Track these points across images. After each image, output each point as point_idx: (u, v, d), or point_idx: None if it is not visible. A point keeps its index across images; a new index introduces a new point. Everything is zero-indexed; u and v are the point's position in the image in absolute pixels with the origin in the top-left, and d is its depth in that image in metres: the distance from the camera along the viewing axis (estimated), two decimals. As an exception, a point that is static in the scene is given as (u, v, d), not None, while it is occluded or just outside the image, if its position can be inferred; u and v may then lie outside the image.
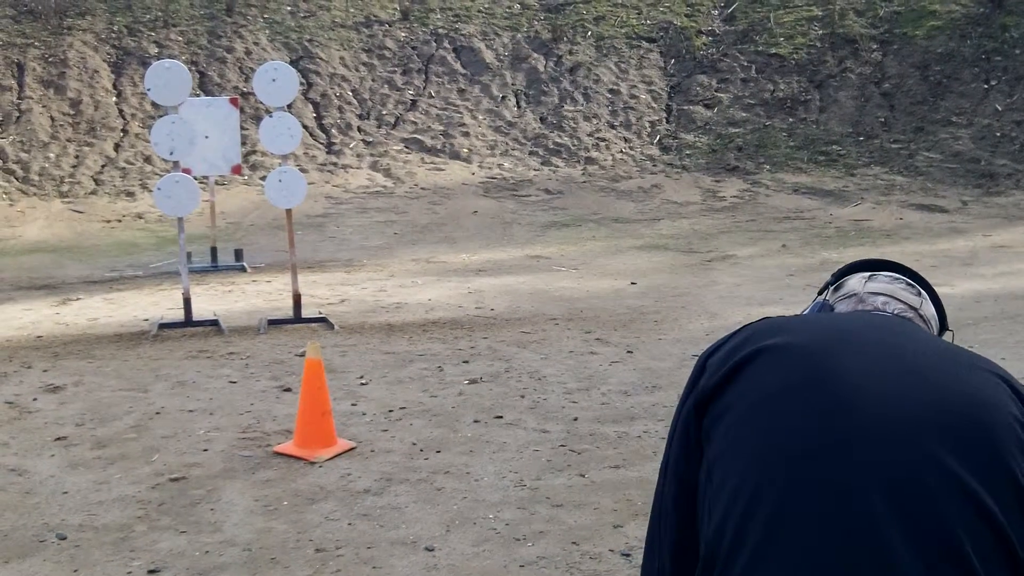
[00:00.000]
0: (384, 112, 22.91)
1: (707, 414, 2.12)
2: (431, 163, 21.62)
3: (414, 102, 23.26)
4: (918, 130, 22.32)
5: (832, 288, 2.51)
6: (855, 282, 2.45)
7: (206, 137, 13.26)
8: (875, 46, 24.31)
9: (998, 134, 21.81)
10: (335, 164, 21.29)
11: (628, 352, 9.92)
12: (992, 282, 13.23)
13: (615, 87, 24.02)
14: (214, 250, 15.41)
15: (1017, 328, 10.56)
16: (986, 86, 22.95)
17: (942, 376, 2.02)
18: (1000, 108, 22.36)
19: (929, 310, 2.41)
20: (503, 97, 23.64)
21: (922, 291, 2.43)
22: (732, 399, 2.08)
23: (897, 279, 2.43)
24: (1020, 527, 1.89)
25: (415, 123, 22.71)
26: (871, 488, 1.89)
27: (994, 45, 23.62)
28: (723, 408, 2.09)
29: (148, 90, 10.89)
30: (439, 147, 22.16)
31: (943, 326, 2.45)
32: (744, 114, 23.22)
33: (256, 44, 23.50)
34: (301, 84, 21.56)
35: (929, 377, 2.02)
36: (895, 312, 2.34)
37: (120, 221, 18.49)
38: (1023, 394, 2.06)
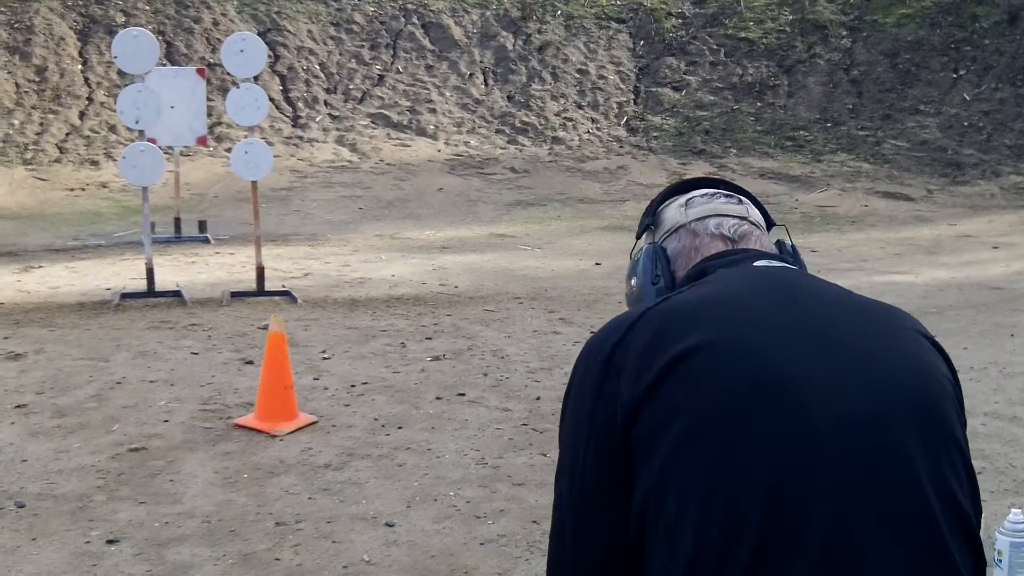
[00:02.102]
0: (351, 87, 22.83)
1: (635, 428, 1.82)
2: (397, 139, 21.56)
3: (381, 77, 23.18)
4: (886, 118, 22.40)
5: (652, 228, 2.32)
6: (674, 213, 2.28)
7: (172, 107, 13.18)
8: (845, 32, 24.37)
9: (965, 124, 21.91)
10: (301, 138, 21.20)
11: (591, 332, 9.91)
12: (956, 271, 13.29)
13: (583, 67, 24.00)
14: (178, 221, 15.34)
15: (980, 318, 10.61)
16: (955, 75, 23.05)
17: (880, 351, 1.88)
18: (968, 98, 22.45)
19: (755, 214, 2.29)
20: (471, 74, 23.58)
21: (741, 197, 2.32)
22: (665, 413, 1.79)
23: (714, 195, 2.28)
24: (970, 503, 1.84)
25: (382, 98, 22.63)
26: (863, 514, 1.71)
27: (963, 35, 23.71)
28: (655, 424, 1.79)
29: (115, 58, 10.82)
30: (406, 123, 22.09)
31: (769, 223, 2.33)
32: (712, 97, 23.25)
33: (224, 15, 23.35)
34: (268, 57, 21.44)
35: (870, 356, 1.86)
36: (733, 232, 2.19)
37: (84, 190, 18.37)
38: (940, 346, 2.01)
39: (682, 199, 2.29)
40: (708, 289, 2.00)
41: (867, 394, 1.80)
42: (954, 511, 1.78)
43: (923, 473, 1.76)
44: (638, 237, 2.38)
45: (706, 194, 2.28)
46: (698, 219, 2.22)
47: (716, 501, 1.72)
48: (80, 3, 22.86)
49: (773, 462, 1.73)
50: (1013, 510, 3.41)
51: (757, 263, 2.09)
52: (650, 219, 2.33)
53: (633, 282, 2.29)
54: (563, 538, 1.99)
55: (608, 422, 1.86)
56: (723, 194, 2.29)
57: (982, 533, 3.26)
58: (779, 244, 2.32)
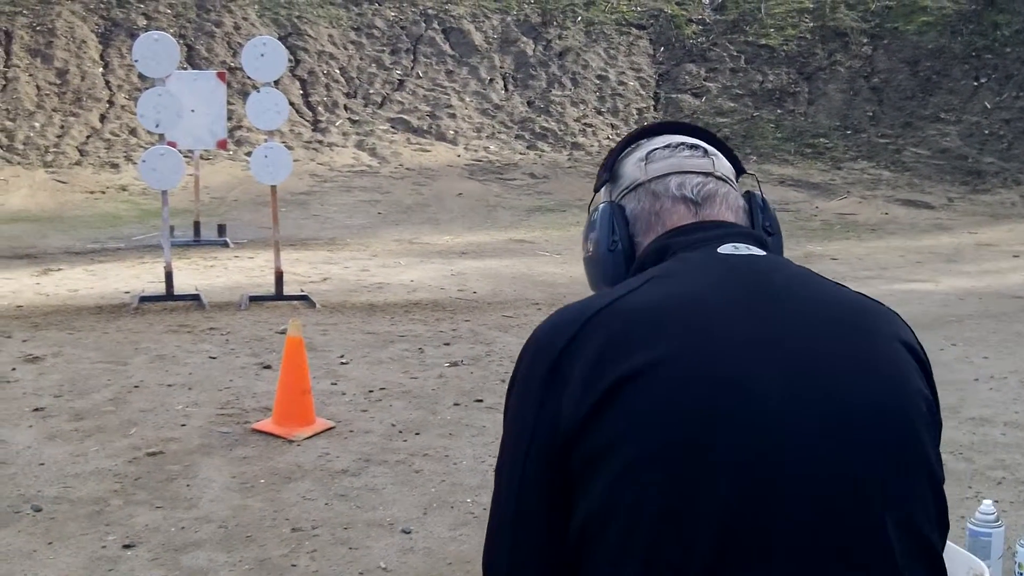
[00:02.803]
0: (371, 91, 22.85)
1: (576, 449, 1.69)
2: (417, 144, 21.57)
3: (401, 82, 23.19)
4: (906, 125, 22.33)
5: (610, 183, 2.14)
6: (632, 168, 2.08)
7: (192, 111, 13.18)
8: (865, 40, 24.31)
9: (986, 132, 21.83)
10: (320, 142, 21.22)
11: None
12: (976, 280, 13.23)
13: (603, 73, 23.98)
14: (197, 225, 15.34)
15: (1000, 327, 10.56)
16: (976, 83, 22.97)
17: (851, 367, 1.72)
18: (989, 106, 22.38)
19: (724, 165, 2.09)
20: (491, 80, 23.58)
21: (707, 147, 2.10)
22: (609, 439, 1.66)
23: (676, 147, 2.06)
24: (936, 527, 1.76)
25: (402, 103, 22.64)
26: (818, 548, 1.62)
27: (985, 43, 23.64)
28: (599, 448, 1.67)
29: (136, 61, 10.84)
30: (425, 128, 22.10)
31: (739, 171, 2.15)
32: (732, 104, 23.21)
33: (245, 19, 23.40)
34: (289, 61, 21.45)
35: (838, 374, 1.71)
36: (696, 193, 1.99)
37: (104, 193, 18.41)
38: (919, 353, 1.85)
39: (642, 152, 2.09)
40: (666, 289, 1.80)
41: (832, 419, 1.67)
42: (914, 540, 1.69)
43: (884, 503, 1.65)
44: (596, 191, 2.21)
45: (668, 145, 2.08)
46: (658, 177, 2.03)
47: (667, 531, 1.61)
48: (102, 6, 22.92)
49: (728, 494, 1.61)
50: (1034, 523, 3.38)
51: (722, 249, 1.89)
52: (607, 173, 2.15)
53: (590, 244, 2.11)
54: (499, 549, 1.83)
55: (548, 438, 1.73)
56: (687, 145, 2.08)
57: (1004, 545, 3.23)
58: (748, 197, 2.12)
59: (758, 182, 2.28)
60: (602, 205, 2.11)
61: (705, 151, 2.07)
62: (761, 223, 2.10)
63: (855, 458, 1.66)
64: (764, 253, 1.91)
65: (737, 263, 1.86)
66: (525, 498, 1.78)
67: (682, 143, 2.08)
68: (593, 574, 1.69)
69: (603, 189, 2.17)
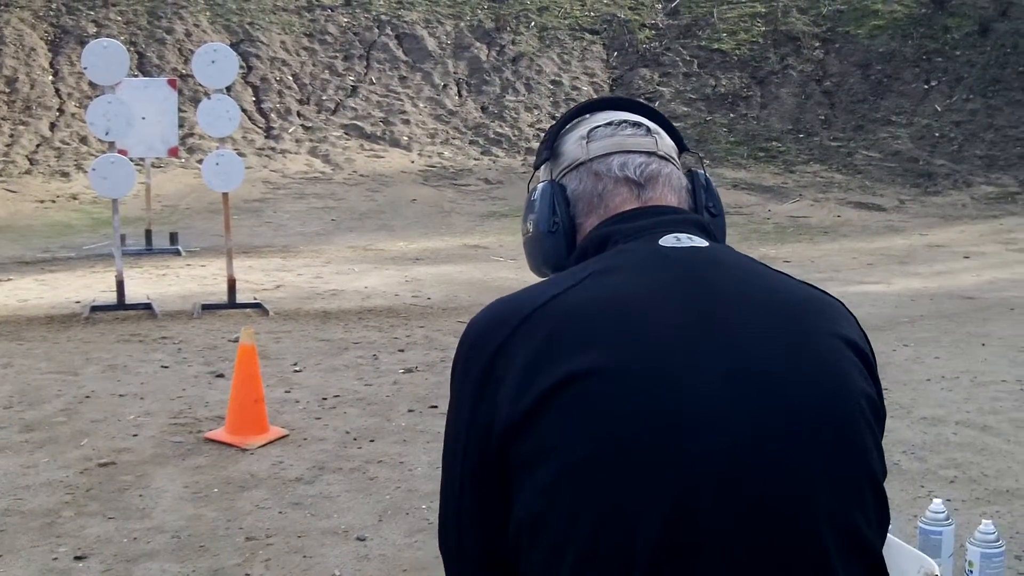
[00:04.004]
0: (324, 97, 22.80)
1: (511, 449, 1.68)
2: (370, 150, 21.54)
3: (355, 88, 23.15)
4: (858, 128, 22.47)
5: (550, 161, 2.08)
6: (573, 147, 2.02)
7: (143, 118, 13.12)
8: (817, 44, 24.45)
9: (937, 134, 21.99)
10: (273, 149, 21.16)
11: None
12: (928, 281, 13.31)
13: (557, 78, 24.01)
14: (149, 233, 15.26)
15: (952, 327, 10.62)
16: (926, 86, 23.14)
17: (792, 367, 1.70)
18: (939, 109, 22.54)
19: (666, 144, 2.04)
20: (444, 85, 23.58)
21: (649, 124, 2.04)
22: (543, 445, 1.65)
23: (618, 125, 2.01)
24: (876, 529, 1.74)
25: (355, 109, 22.60)
26: (756, 556, 1.61)
27: (935, 46, 23.82)
28: (532, 453, 1.66)
29: (85, 69, 10.79)
30: (379, 134, 22.07)
31: (681, 148, 2.09)
32: (685, 108, 23.28)
33: (196, 26, 23.30)
34: (241, 67, 21.38)
35: (778, 375, 1.68)
36: (639, 174, 1.94)
37: (54, 202, 18.29)
38: (864, 349, 1.82)
39: (583, 129, 2.03)
40: (603, 288, 1.76)
41: (769, 422, 1.64)
42: (853, 544, 1.67)
43: (822, 507, 1.64)
44: (535, 168, 2.15)
45: (610, 123, 2.02)
46: (600, 156, 1.98)
47: (603, 537, 1.60)
48: (51, 13, 22.78)
49: (663, 501, 1.59)
50: (984, 520, 3.40)
51: (663, 240, 1.84)
52: (547, 151, 2.08)
53: (530, 225, 2.06)
54: (448, 537, 1.85)
55: (483, 437, 1.72)
56: (629, 123, 2.02)
57: (955, 543, 3.24)
58: (691, 176, 2.08)
59: (700, 160, 2.24)
60: (542, 184, 2.06)
61: (648, 129, 2.03)
62: (704, 203, 2.07)
63: (793, 460, 1.64)
64: (706, 244, 1.87)
65: (678, 258, 1.82)
66: (465, 497, 1.78)
67: (624, 121, 2.03)
68: (529, 572, 1.69)
69: (543, 167, 2.11)
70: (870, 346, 1.87)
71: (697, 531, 1.59)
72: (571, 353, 1.67)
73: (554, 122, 2.14)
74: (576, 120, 2.09)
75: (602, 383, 1.64)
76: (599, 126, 2.02)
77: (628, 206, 1.95)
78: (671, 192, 1.98)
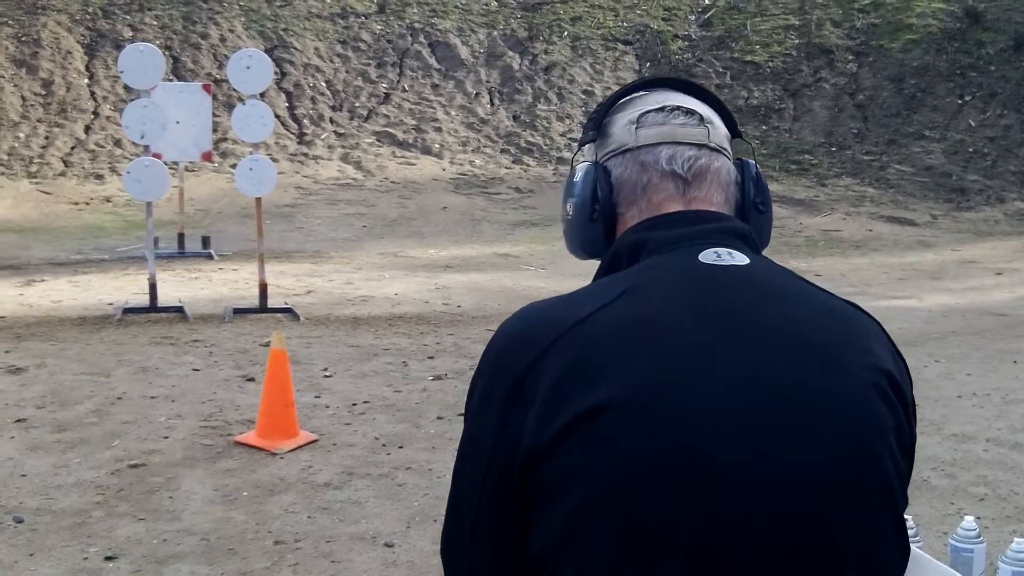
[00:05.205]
0: (357, 104, 22.84)
1: (534, 475, 1.65)
2: (402, 157, 21.57)
3: (387, 95, 23.20)
4: (890, 143, 22.40)
5: (596, 141, 1.98)
6: (622, 131, 1.92)
7: (177, 123, 13.16)
8: (851, 57, 24.38)
9: (970, 149, 21.90)
10: (306, 155, 21.21)
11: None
12: (960, 297, 13.27)
13: (589, 88, 24.00)
14: (181, 236, 15.32)
15: (984, 343, 10.58)
16: (960, 101, 23.04)
17: (820, 402, 1.65)
18: (973, 124, 22.45)
19: (719, 133, 1.94)
20: (477, 94, 23.60)
21: (702, 112, 1.93)
22: (565, 474, 1.62)
23: (671, 112, 1.90)
24: (899, 561, 1.72)
25: (387, 116, 22.64)
26: None
27: (969, 60, 23.72)
28: (555, 482, 1.62)
29: (121, 73, 10.84)
30: (411, 141, 22.10)
31: (734, 133, 2.00)
32: (717, 120, 23.21)
33: (231, 31, 23.39)
34: (275, 73, 21.44)
35: (807, 412, 1.64)
36: (686, 169, 1.87)
37: (88, 204, 18.37)
38: (895, 378, 1.74)
39: (633, 113, 1.93)
40: (637, 310, 1.71)
41: (796, 461, 1.61)
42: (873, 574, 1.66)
43: (846, 550, 1.62)
44: (580, 146, 2.05)
45: (663, 108, 1.91)
46: (649, 145, 1.89)
47: (624, 566, 1.57)
48: (88, 17, 22.90)
49: (685, 538, 1.56)
50: (1016, 539, 3.37)
51: (703, 256, 1.78)
52: (595, 131, 1.98)
53: (569, 207, 1.97)
54: (458, 561, 1.82)
55: (507, 461, 1.67)
56: (682, 111, 1.91)
57: (985, 561, 3.23)
58: (741, 167, 2.00)
59: (753, 150, 2.13)
60: (586, 165, 1.97)
61: (701, 118, 1.92)
62: (752, 198, 2.00)
63: (815, 504, 1.61)
64: (746, 261, 1.79)
65: (715, 280, 1.76)
66: (481, 520, 1.74)
67: (678, 108, 1.92)
68: None
69: (588, 146, 2.02)
70: (906, 369, 1.82)
71: (719, 567, 1.58)
72: (597, 381, 1.63)
73: (603, 102, 2.02)
74: (628, 98, 1.99)
75: (620, 418, 1.60)
76: (651, 111, 1.92)
77: (671, 206, 1.88)
78: (718, 189, 1.91)
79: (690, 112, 1.91)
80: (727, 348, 1.67)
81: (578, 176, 1.96)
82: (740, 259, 1.79)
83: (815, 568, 1.61)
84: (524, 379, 1.67)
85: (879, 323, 1.84)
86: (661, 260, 1.80)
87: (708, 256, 1.78)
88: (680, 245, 1.81)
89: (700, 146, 1.89)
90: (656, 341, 1.67)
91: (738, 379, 1.64)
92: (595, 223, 1.92)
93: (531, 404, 1.65)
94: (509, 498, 1.68)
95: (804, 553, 1.60)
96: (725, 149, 1.95)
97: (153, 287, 11.03)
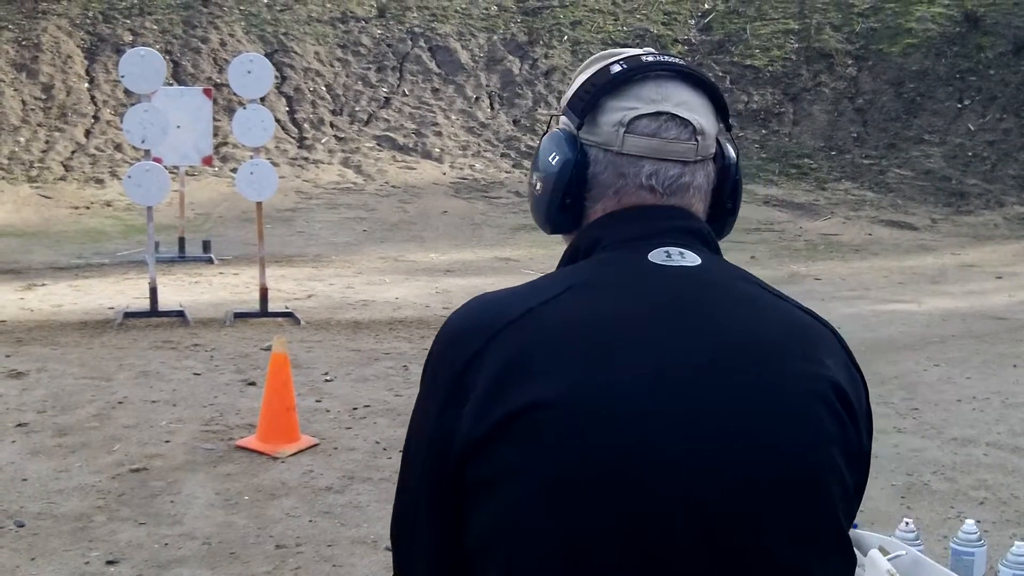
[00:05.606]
0: (357, 109, 22.86)
1: (469, 468, 1.64)
2: (402, 161, 21.58)
3: (387, 100, 23.21)
4: (890, 146, 22.41)
5: (586, 118, 1.86)
6: (609, 130, 1.83)
7: (178, 127, 13.17)
8: (850, 61, 24.39)
9: (970, 153, 21.92)
10: (306, 159, 21.22)
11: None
12: (960, 300, 13.27)
13: (590, 92, 23.99)
14: (182, 240, 15.32)
15: (983, 347, 10.59)
16: (959, 105, 23.06)
17: (757, 415, 1.62)
18: (973, 128, 22.46)
19: (708, 141, 1.85)
20: (477, 98, 23.61)
21: (696, 122, 1.83)
22: (501, 466, 1.61)
23: (664, 123, 1.81)
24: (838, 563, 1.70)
25: (388, 121, 22.66)
26: None
27: (969, 65, 23.73)
28: (492, 474, 1.63)
29: (122, 77, 10.84)
30: (411, 146, 22.11)
31: (727, 126, 1.91)
32: (717, 124, 23.22)
33: (231, 36, 23.40)
34: (275, 78, 21.46)
35: (746, 423, 1.62)
36: (665, 187, 1.81)
37: (88, 208, 18.38)
38: (845, 392, 1.70)
39: (625, 111, 1.83)
40: (581, 307, 1.70)
41: (729, 471, 1.59)
42: None
43: (783, 559, 1.61)
44: (560, 114, 1.96)
45: (658, 114, 1.81)
46: (632, 156, 1.82)
47: (553, 566, 1.58)
48: (88, 21, 22.92)
49: (613, 538, 1.56)
50: (1016, 542, 3.39)
51: (653, 255, 1.75)
52: (581, 118, 1.87)
53: (539, 185, 1.94)
54: (399, 541, 1.83)
55: (443, 452, 1.67)
56: (676, 121, 1.82)
57: (986, 564, 3.24)
58: (722, 170, 1.91)
59: (733, 141, 1.99)
60: (565, 157, 1.88)
61: (694, 130, 1.83)
62: (725, 199, 1.94)
63: (749, 508, 1.60)
64: (698, 262, 1.77)
65: (663, 280, 1.74)
66: (423, 502, 1.75)
67: (673, 118, 1.82)
68: None
69: (567, 118, 1.93)
70: (862, 381, 1.79)
71: (646, 572, 1.57)
72: (535, 378, 1.62)
73: (598, 69, 1.91)
74: (625, 81, 1.86)
75: (558, 415, 1.59)
76: (644, 116, 1.82)
77: (641, 204, 1.84)
78: (695, 196, 1.87)
79: (684, 124, 1.83)
80: (668, 348, 1.66)
81: (556, 162, 1.90)
82: (691, 259, 1.77)
83: (741, 569, 1.59)
84: (465, 371, 1.67)
85: (836, 333, 1.81)
86: (612, 256, 1.79)
87: (658, 256, 1.76)
88: (633, 243, 1.79)
89: (685, 163, 1.84)
90: (595, 339, 1.66)
91: (675, 380, 1.63)
92: (563, 211, 1.91)
93: (468, 394, 1.65)
94: (446, 489, 1.68)
95: (730, 553, 1.59)
96: (711, 153, 1.89)
97: (154, 291, 11.04)
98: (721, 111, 1.91)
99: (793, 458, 1.62)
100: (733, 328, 1.70)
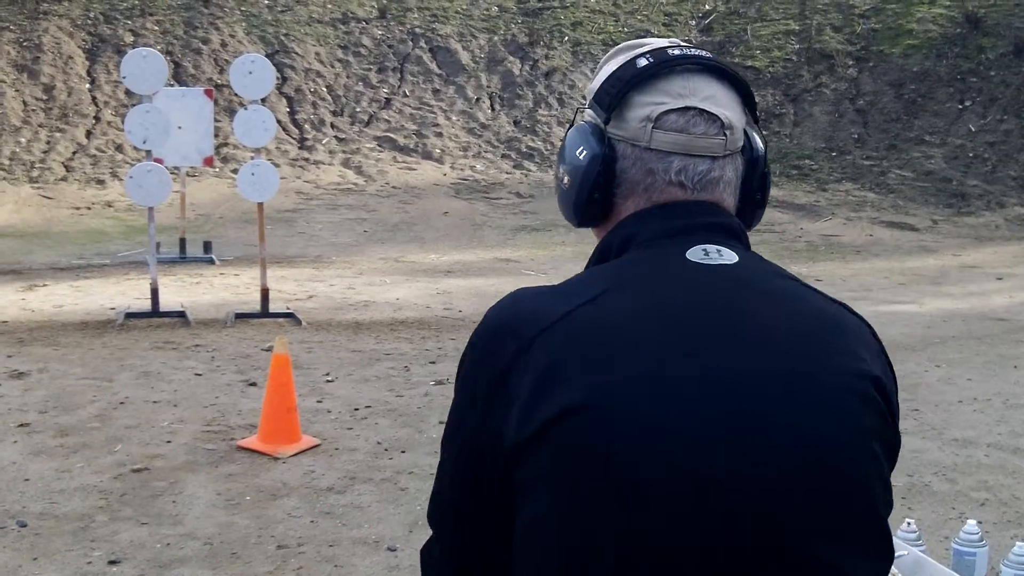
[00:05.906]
0: (358, 109, 22.86)
1: (517, 470, 1.64)
2: (403, 162, 21.58)
3: (388, 100, 23.21)
4: (891, 147, 22.41)
5: (613, 112, 1.84)
6: (637, 125, 1.81)
7: (179, 128, 13.18)
8: (851, 62, 24.40)
9: (970, 154, 21.92)
10: (307, 160, 21.23)
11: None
12: (960, 301, 13.28)
13: (590, 93, 23.99)
14: (183, 241, 15.33)
15: (984, 348, 10.60)
16: (960, 106, 23.06)
17: (790, 413, 1.61)
18: (973, 129, 22.47)
19: (736, 134, 1.85)
20: (477, 99, 23.62)
21: (724, 118, 1.82)
22: (542, 468, 1.61)
23: (692, 118, 1.79)
24: (883, 567, 1.69)
25: (388, 121, 22.66)
26: None
27: (969, 66, 23.74)
28: (532, 477, 1.62)
29: (123, 78, 10.85)
30: (412, 146, 22.12)
31: (755, 119, 1.91)
32: (718, 125, 23.23)
33: (232, 36, 23.41)
34: (276, 78, 21.45)
35: (782, 423, 1.60)
36: (694, 182, 1.80)
37: (90, 208, 18.39)
38: (884, 385, 1.70)
39: (653, 106, 1.81)
40: (618, 309, 1.68)
41: (769, 476, 1.58)
42: None
43: (823, 558, 1.60)
44: (587, 108, 1.92)
45: (686, 109, 1.79)
46: (661, 152, 1.80)
47: (572, 568, 1.58)
48: (89, 22, 22.93)
49: (654, 549, 1.55)
50: (1018, 543, 3.39)
51: (691, 253, 1.74)
52: (606, 112, 1.85)
53: (566, 179, 1.91)
54: (443, 535, 1.84)
55: (489, 452, 1.68)
56: (705, 116, 1.80)
57: (987, 565, 3.24)
58: (751, 162, 1.91)
59: (759, 133, 1.98)
60: (593, 152, 1.86)
61: (722, 124, 1.81)
62: (754, 191, 1.93)
63: (794, 516, 1.58)
64: (735, 259, 1.76)
65: (701, 280, 1.73)
66: (466, 497, 1.75)
67: (701, 113, 1.80)
68: None
69: (595, 112, 1.90)
70: (893, 373, 1.78)
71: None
72: (571, 383, 1.61)
73: (625, 62, 1.88)
74: (653, 76, 1.83)
75: (589, 421, 1.58)
76: (672, 111, 1.80)
77: (672, 199, 1.83)
78: (727, 192, 1.86)
79: (712, 119, 1.81)
80: (707, 351, 1.65)
81: (582, 153, 1.87)
82: (729, 257, 1.76)
83: (785, 571, 1.59)
84: (505, 377, 1.66)
85: (868, 325, 1.81)
86: (649, 255, 1.78)
87: (696, 254, 1.75)
88: (668, 240, 1.78)
89: (714, 158, 1.82)
90: (632, 343, 1.64)
91: (715, 384, 1.62)
92: (591, 205, 1.88)
93: (512, 403, 1.64)
94: (493, 486, 1.67)
95: (774, 555, 1.58)
96: (739, 148, 1.88)
97: (155, 292, 11.04)
98: (748, 103, 1.90)
99: (836, 456, 1.62)
100: (771, 328, 1.69)
